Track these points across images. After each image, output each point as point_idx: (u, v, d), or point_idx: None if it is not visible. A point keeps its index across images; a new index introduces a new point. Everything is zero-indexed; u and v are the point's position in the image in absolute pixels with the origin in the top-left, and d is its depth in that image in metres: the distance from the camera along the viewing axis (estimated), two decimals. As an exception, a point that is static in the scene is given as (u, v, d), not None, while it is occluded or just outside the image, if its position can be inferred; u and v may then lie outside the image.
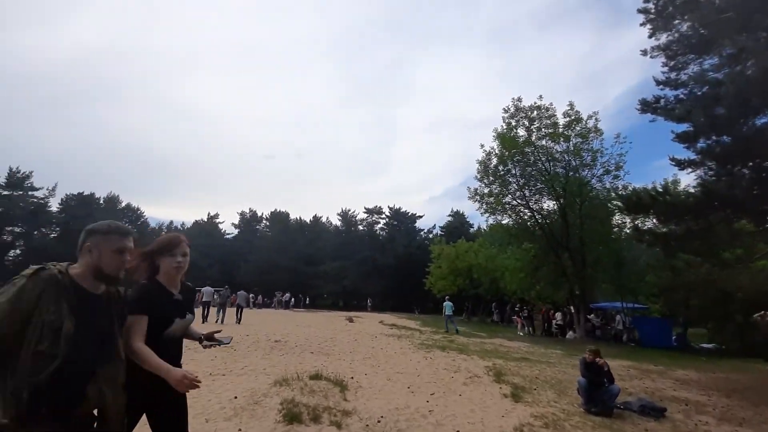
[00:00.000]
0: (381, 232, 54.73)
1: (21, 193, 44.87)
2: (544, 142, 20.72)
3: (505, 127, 21.31)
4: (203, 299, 17.90)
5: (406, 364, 8.64)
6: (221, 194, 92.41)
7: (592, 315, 21.98)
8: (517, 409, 5.58)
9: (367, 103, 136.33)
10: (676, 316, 20.80)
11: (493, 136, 21.63)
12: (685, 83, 14.20)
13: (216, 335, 2.31)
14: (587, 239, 19.96)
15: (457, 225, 51.74)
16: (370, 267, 47.07)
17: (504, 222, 23.00)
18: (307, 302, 43.95)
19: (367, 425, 4.60)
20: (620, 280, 20.51)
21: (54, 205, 47.18)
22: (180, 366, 2.07)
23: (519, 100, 20.96)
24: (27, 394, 1.35)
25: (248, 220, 56.90)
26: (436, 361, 9.30)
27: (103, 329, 1.62)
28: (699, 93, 13.49)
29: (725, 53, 11.67)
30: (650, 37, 14.90)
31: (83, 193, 49.12)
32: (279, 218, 56.37)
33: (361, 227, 55.56)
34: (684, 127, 13.35)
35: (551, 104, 20.62)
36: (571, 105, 20.40)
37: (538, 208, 21.86)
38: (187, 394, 1.97)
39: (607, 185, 20.38)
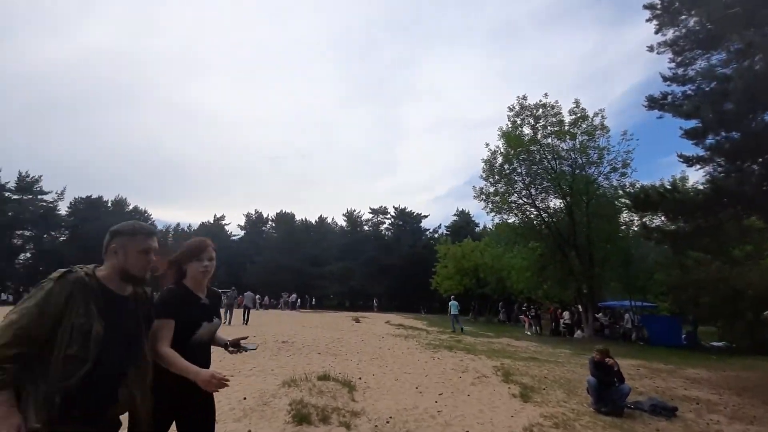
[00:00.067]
0: (386, 232, 54.72)
1: (30, 197, 45.40)
2: (549, 140, 20.61)
3: (510, 125, 21.24)
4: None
5: (414, 365, 8.63)
6: (227, 196, 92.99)
7: (600, 314, 21.81)
8: (526, 409, 5.55)
9: (371, 103, 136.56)
10: (686, 314, 20.58)
11: (498, 135, 21.57)
12: (693, 79, 14.06)
13: (242, 342, 2.30)
14: (594, 237, 19.81)
15: (463, 224, 51.60)
16: (375, 267, 47.08)
17: (510, 221, 22.90)
18: (313, 303, 44.04)
19: (376, 426, 4.61)
20: (628, 279, 20.34)
21: (63, 209, 47.76)
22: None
23: (524, 98, 20.88)
24: (59, 399, 1.35)
25: (254, 222, 57.17)
26: (444, 361, 9.29)
27: (131, 331, 1.61)
28: (707, 89, 13.35)
29: (733, 48, 11.54)
30: (656, 32, 14.76)
31: (91, 196, 49.62)
32: (284, 219, 56.57)
33: (366, 227, 55.60)
34: (692, 123, 13.21)
35: (557, 102, 20.53)
36: (577, 102, 20.31)
37: (544, 206, 21.74)
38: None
39: (614, 183, 20.25)
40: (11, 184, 44.42)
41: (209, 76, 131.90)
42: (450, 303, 20.15)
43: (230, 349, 2.27)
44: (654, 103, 14.96)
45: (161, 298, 1.92)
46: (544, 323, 22.34)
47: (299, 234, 54.39)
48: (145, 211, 55.21)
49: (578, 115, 20.16)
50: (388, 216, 55.04)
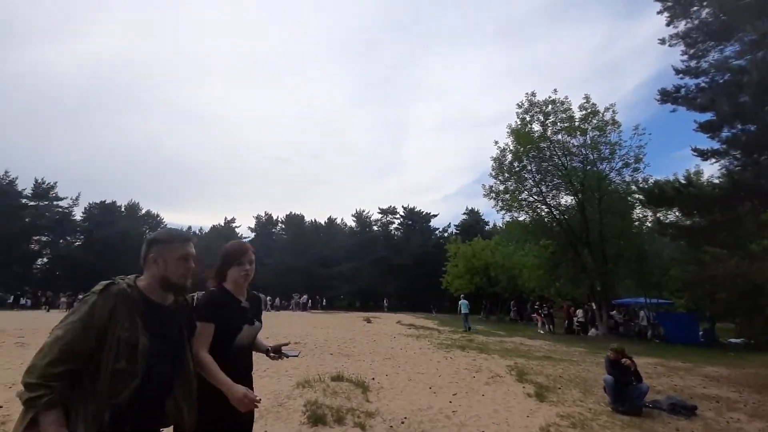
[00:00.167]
0: (396, 232, 54.69)
1: (46, 203, 46.37)
2: (560, 137, 20.40)
3: (519, 122, 21.09)
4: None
5: (427, 365, 8.61)
6: (237, 199, 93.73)
7: (615, 311, 21.52)
8: (542, 408, 5.50)
9: (378, 102, 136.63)
10: (703, 310, 20.19)
11: (507, 132, 21.45)
12: (706, 71, 13.80)
13: (283, 348, 2.28)
14: (607, 234, 19.56)
15: (473, 223, 51.35)
16: (385, 267, 47.10)
17: (521, 219, 22.72)
18: (323, 303, 44.21)
19: (391, 426, 4.61)
20: (643, 275, 20.00)
21: (78, 214, 48.69)
22: (251, 377, 2.09)
23: (533, 94, 20.72)
24: (108, 416, 1.32)
25: (264, 224, 57.54)
26: (457, 360, 9.24)
27: (176, 342, 1.58)
28: (721, 81, 13.09)
29: (746, 39, 11.30)
30: (668, 25, 14.52)
31: (105, 201, 50.48)
32: (294, 221, 56.87)
33: (375, 228, 55.61)
34: (707, 116, 12.96)
35: (566, 98, 20.32)
36: (587, 98, 20.08)
37: (555, 203, 21.56)
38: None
39: (627, 178, 19.97)
40: (28, 191, 45.51)
41: (216, 79, 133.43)
42: (460, 302, 20.06)
43: (271, 354, 2.25)
44: (667, 96, 14.71)
45: (201, 301, 1.92)
46: (556, 322, 22.12)
47: (309, 235, 54.64)
48: (157, 215, 56.03)
49: (589, 110, 19.93)
50: (397, 216, 55.03)
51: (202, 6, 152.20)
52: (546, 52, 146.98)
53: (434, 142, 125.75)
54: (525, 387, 6.69)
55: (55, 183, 46.83)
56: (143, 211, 54.54)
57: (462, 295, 21.63)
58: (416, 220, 54.12)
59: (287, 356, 2.27)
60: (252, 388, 2.06)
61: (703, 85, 13.85)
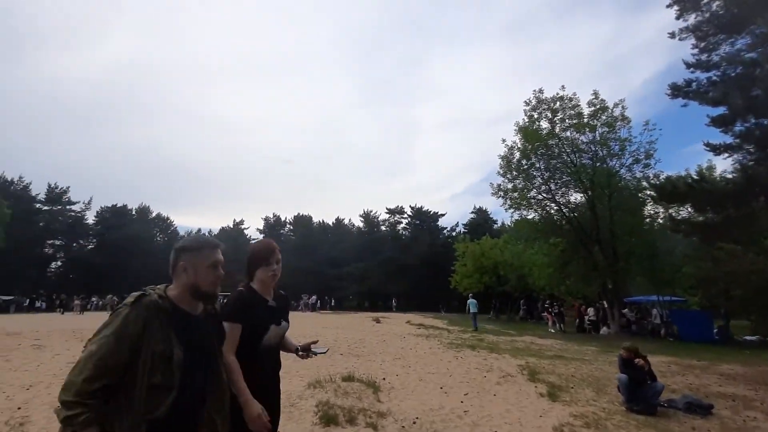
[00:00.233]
0: (404, 232, 54.66)
1: (60, 207, 47.18)
2: (568, 134, 20.25)
3: (527, 120, 20.97)
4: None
5: (437, 364, 8.59)
6: (245, 201, 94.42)
7: (626, 309, 21.26)
8: (554, 408, 5.45)
9: (384, 102, 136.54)
10: (717, 308, 19.87)
11: (515, 130, 21.31)
12: (718, 65, 13.58)
13: (312, 346, 2.26)
14: (618, 231, 19.34)
15: (481, 222, 51.12)
16: (394, 267, 47.10)
17: (530, 217, 22.53)
18: (332, 304, 44.34)
19: (403, 426, 4.60)
20: (655, 273, 19.74)
21: (90, 218, 49.53)
22: (278, 377, 2.09)
23: (540, 91, 20.59)
24: (145, 431, 1.29)
25: (272, 225, 57.89)
26: (467, 360, 9.21)
27: (208, 352, 1.54)
28: (733, 74, 12.88)
29: (758, 32, 11.10)
30: (678, 18, 14.31)
31: (117, 205, 51.15)
32: (302, 222, 57.14)
33: (383, 228, 55.66)
34: (719, 110, 12.74)
35: (574, 94, 20.15)
36: (596, 94, 19.89)
37: (564, 201, 21.37)
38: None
39: (638, 175, 19.75)
40: (41, 196, 46.35)
41: (222, 83, 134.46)
42: (468, 301, 19.99)
43: (300, 353, 2.23)
44: (678, 91, 14.51)
45: (229, 301, 1.90)
46: (567, 320, 21.93)
47: (317, 236, 54.85)
48: (167, 218, 56.65)
49: (597, 106, 19.74)
50: (405, 215, 55.01)
51: (207, 9, 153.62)
52: (553, 48, 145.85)
53: (441, 141, 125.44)
54: (537, 386, 6.64)
55: (68, 188, 47.71)
56: (153, 214, 55.19)
57: (470, 295, 21.53)
58: (424, 219, 54.03)
59: (315, 354, 2.26)
60: (278, 389, 2.09)
61: (714, 78, 13.64)
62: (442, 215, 54.77)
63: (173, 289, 1.53)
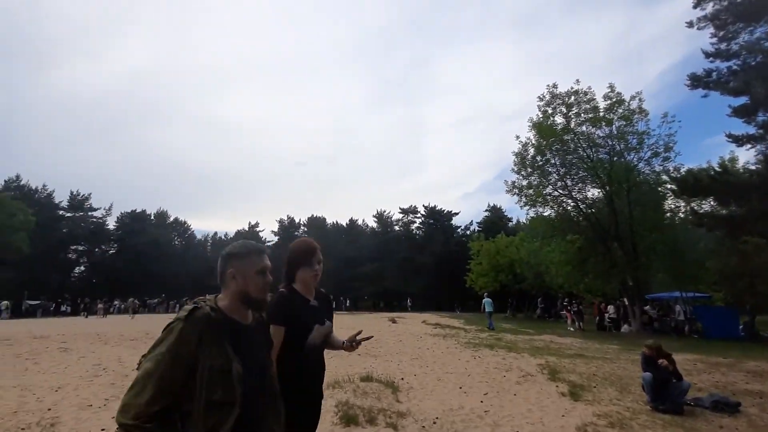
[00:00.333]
0: (417, 232, 54.57)
1: (82, 214, 48.56)
2: (584, 128, 19.90)
3: (540, 115, 20.68)
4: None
5: (455, 364, 8.54)
6: (260, 203, 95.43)
7: (648, 306, 20.80)
8: (577, 408, 5.36)
9: (395, 102, 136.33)
10: (742, 303, 19.28)
11: (529, 126, 21.07)
12: (737, 54, 13.23)
13: (358, 337, 2.23)
14: (638, 227, 18.92)
15: (495, 220, 50.66)
16: (408, 267, 47.05)
17: (546, 214, 22.23)
18: (348, 305, 44.51)
19: (423, 427, 4.59)
20: (677, 268, 19.24)
21: (111, 224, 50.77)
22: (323, 376, 2.05)
23: (554, 86, 20.28)
24: None
25: (287, 227, 58.41)
26: (486, 360, 9.13)
27: (262, 363, 1.49)
28: (753, 63, 12.50)
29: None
30: (695, 7, 13.99)
31: (136, 210, 52.32)
32: (316, 224, 57.54)
33: (397, 228, 55.65)
34: (741, 100, 12.39)
35: (589, 88, 19.80)
36: (612, 87, 19.51)
37: (581, 197, 21.01)
38: None
39: (657, 168, 19.27)
40: (64, 203, 47.81)
41: (235, 88, 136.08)
42: (484, 300, 19.82)
43: (346, 344, 2.20)
44: (697, 81, 14.17)
45: (271, 303, 1.85)
46: (586, 318, 21.55)
47: (331, 237, 55.12)
48: (185, 222, 57.75)
49: (614, 99, 19.35)
50: (419, 215, 54.89)
51: (217, 16, 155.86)
52: (565, 42, 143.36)
53: (453, 140, 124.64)
54: (558, 386, 6.53)
55: (89, 194, 49.07)
56: (171, 219, 56.31)
57: (486, 294, 21.35)
58: (438, 218, 53.84)
59: (360, 343, 2.23)
60: (321, 391, 2.04)
61: (735, 68, 13.28)
62: (456, 214, 54.58)
63: (223, 298, 1.47)
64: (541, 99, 20.65)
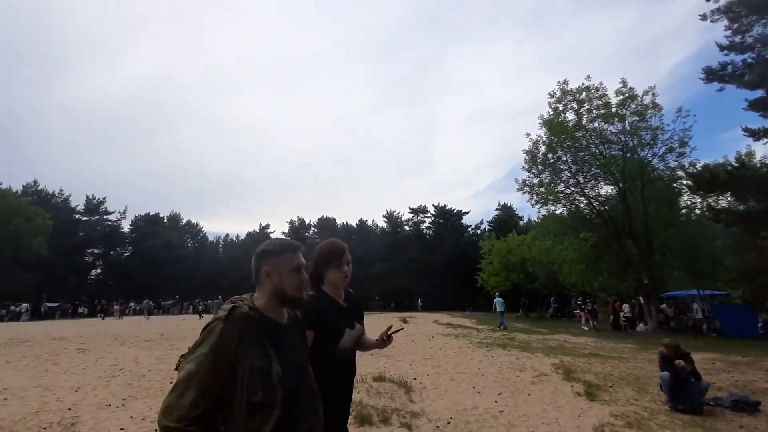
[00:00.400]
0: (427, 231, 54.43)
1: (97, 217, 49.57)
2: (596, 125, 19.64)
3: (551, 112, 20.45)
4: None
5: (468, 364, 8.50)
6: (271, 205, 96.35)
7: (664, 305, 20.43)
8: (593, 408, 5.29)
9: (403, 102, 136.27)
10: (761, 301, 18.84)
11: (539, 123, 20.84)
12: (752, 46, 12.98)
13: (389, 331, 2.13)
14: (652, 224, 18.58)
15: (506, 218, 50.27)
16: (418, 267, 46.95)
17: (558, 212, 21.98)
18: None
19: (437, 427, 4.58)
20: (694, 266, 18.85)
21: (125, 227, 51.71)
22: (353, 382, 1.97)
23: (565, 82, 20.04)
24: None
25: (297, 228, 58.75)
26: (499, 359, 9.07)
27: (300, 362, 1.45)
28: None
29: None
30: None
31: (149, 213, 53.16)
32: (326, 224, 57.79)
33: (407, 228, 55.55)
34: (757, 93, 12.12)
35: (601, 83, 19.51)
36: (624, 82, 19.20)
37: (594, 194, 20.73)
38: None
39: (672, 164, 18.91)
40: (80, 207, 48.78)
41: (243, 91, 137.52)
42: (495, 300, 19.69)
43: (378, 342, 2.11)
44: (713, 75, 13.93)
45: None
46: (600, 317, 21.24)
47: (341, 237, 52.91)
48: (197, 224, 58.45)
49: (626, 95, 19.05)
50: (428, 215, 54.73)
51: (224, 18, 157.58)
52: (576, 38, 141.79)
53: (463, 139, 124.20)
54: (573, 386, 6.45)
55: (104, 198, 50.08)
56: (184, 221, 57.06)
57: (497, 294, 21.19)
58: (447, 218, 53.64)
59: (392, 336, 2.14)
60: (351, 396, 1.97)
61: (750, 61, 13.02)
62: (466, 213, 54.33)
63: (259, 297, 1.44)
64: (551, 96, 20.45)
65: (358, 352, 2.04)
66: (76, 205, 48.64)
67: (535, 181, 21.13)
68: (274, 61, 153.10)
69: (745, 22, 12.91)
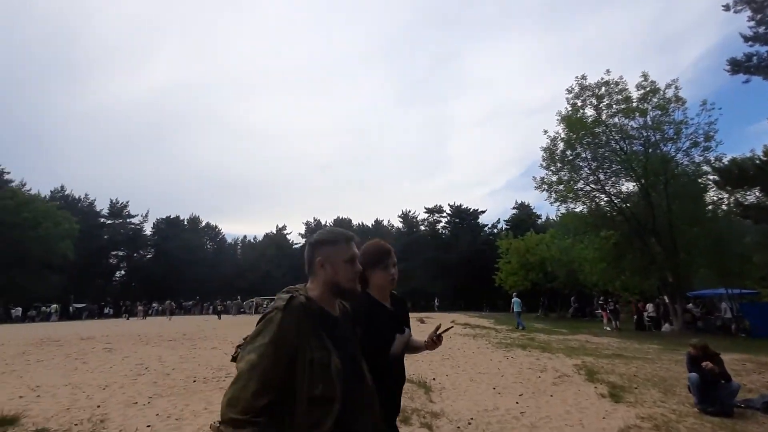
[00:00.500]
0: (443, 231, 54.16)
1: (121, 221, 51.00)
2: (616, 120, 19.18)
3: (569, 108, 20.07)
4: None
5: (487, 364, 8.41)
6: (287, 206, 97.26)
7: (691, 304, 19.81)
8: (618, 410, 5.16)
9: (418, 102, 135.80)
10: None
11: (557, 120, 20.46)
12: (777, 37, 12.49)
13: (438, 331, 2.00)
14: (677, 221, 18.03)
15: (524, 217, 49.61)
16: (435, 267, 46.73)
17: (577, 210, 21.55)
18: (376, 305, 44.60)
19: (458, 427, 4.54)
20: (721, 264, 18.21)
21: (147, 229, 53.03)
22: (401, 390, 1.86)
23: (583, 78, 19.62)
24: None
25: (313, 230, 59.11)
26: (519, 360, 8.95)
27: (355, 356, 1.39)
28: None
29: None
30: (732, -11, 13.30)
31: (170, 216, 54.42)
32: (342, 225, 57.96)
33: (422, 227, 55.42)
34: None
35: (621, 78, 19.05)
36: (645, 75, 18.72)
37: (615, 191, 20.24)
38: None
39: (697, 159, 18.29)
40: (105, 211, 50.31)
41: (258, 93, 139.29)
42: (513, 300, 19.44)
43: (427, 344, 2.01)
44: (738, 66, 13.51)
45: None
46: (622, 317, 20.73)
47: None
48: (216, 227, 59.53)
49: (647, 89, 18.55)
50: (444, 214, 54.48)
51: (240, 23, 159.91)
52: (594, 32, 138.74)
53: (479, 137, 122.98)
54: (597, 387, 6.32)
55: (127, 202, 51.49)
56: (203, 224, 58.16)
57: (514, 293, 20.90)
58: (464, 217, 53.26)
59: (441, 336, 2.02)
60: (400, 403, 1.88)
61: (776, 52, 12.55)
62: (483, 212, 53.79)
63: (313, 288, 1.39)
64: (569, 91, 20.06)
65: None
66: (101, 209, 50.21)
67: (554, 178, 20.75)
68: (289, 64, 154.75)
69: (769, 13, 12.47)
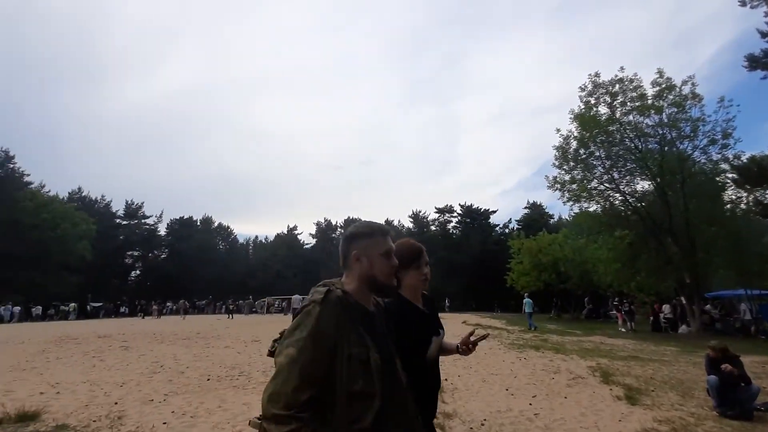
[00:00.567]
0: (454, 231, 53.94)
1: (136, 221, 51.97)
2: (631, 118, 18.83)
3: (582, 106, 19.75)
4: (293, 306, 19.21)
5: (500, 365, 8.35)
6: (298, 207, 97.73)
7: (709, 305, 19.37)
8: (635, 412, 5.07)
9: (428, 102, 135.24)
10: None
11: (570, 118, 20.15)
12: (795, 32, 12.16)
13: (472, 338, 1.90)
14: (694, 220, 17.65)
15: (536, 217, 49.13)
16: (445, 267, 46.50)
17: (591, 209, 21.21)
18: (385, 306, 44.64)
19: (471, 428, 4.52)
20: (741, 264, 17.76)
21: (162, 230, 53.95)
22: (437, 395, 1.82)
23: (597, 75, 19.31)
24: None
25: (324, 230, 59.47)
26: (532, 361, 8.87)
27: (391, 351, 1.36)
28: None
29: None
30: (751, -17, 13.00)
31: (184, 217, 55.25)
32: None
33: (433, 228, 55.27)
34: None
35: (635, 75, 18.72)
36: (660, 72, 18.34)
37: (630, 190, 19.87)
38: None
39: (714, 157, 17.87)
40: (120, 212, 51.29)
41: (269, 95, 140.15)
42: (524, 301, 19.25)
43: (462, 349, 1.92)
44: (756, 62, 13.22)
45: None
46: (638, 318, 20.37)
47: (368, 238, 55.46)
48: (228, 227, 60.24)
49: (663, 86, 18.18)
50: (455, 214, 54.26)
51: (250, 27, 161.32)
52: (606, 28, 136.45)
53: (489, 136, 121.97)
54: (612, 389, 6.22)
55: (142, 203, 52.43)
56: (216, 224, 58.90)
57: (526, 294, 20.70)
58: (475, 217, 52.95)
59: (477, 343, 1.93)
60: (436, 407, 1.83)
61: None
62: (494, 212, 53.46)
63: (349, 282, 1.35)
64: (582, 89, 19.75)
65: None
66: (117, 210, 51.25)
67: (567, 177, 20.46)
68: (299, 64, 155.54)
69: (787, 8, 12.14)
